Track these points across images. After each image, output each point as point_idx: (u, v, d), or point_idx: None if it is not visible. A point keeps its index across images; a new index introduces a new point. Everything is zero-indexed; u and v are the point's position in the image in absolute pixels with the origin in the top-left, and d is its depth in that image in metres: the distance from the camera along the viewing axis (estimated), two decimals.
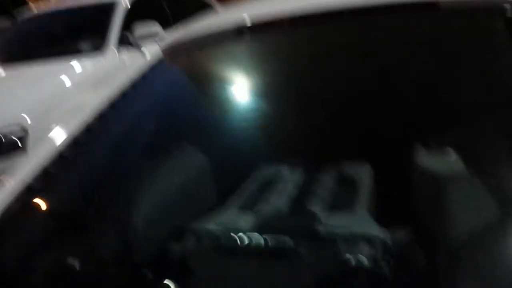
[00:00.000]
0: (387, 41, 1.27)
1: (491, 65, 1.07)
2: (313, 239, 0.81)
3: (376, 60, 1.26)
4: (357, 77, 1.25)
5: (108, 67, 3.34)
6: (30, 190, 0.98)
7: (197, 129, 1.32)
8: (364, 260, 0.73)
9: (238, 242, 0.82)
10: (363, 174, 1.00)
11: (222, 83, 1.48)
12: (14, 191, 0.97)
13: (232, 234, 0.85)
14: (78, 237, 1.00)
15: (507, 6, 1.05)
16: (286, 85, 1.39)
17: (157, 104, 1.44)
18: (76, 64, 3.36)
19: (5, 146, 2.68)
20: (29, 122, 2.74)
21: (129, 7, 3.86)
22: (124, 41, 3.63)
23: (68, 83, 3.11)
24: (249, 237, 0.82)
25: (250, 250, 0.80)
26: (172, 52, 1.48)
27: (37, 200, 1.01)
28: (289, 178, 1.05)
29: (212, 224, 0.90)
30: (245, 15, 1.38)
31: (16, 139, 2.69)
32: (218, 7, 4.58)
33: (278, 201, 0.96)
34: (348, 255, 0.75)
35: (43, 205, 1.02)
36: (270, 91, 1.43)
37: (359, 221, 0.84)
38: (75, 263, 0.88)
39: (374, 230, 0.80)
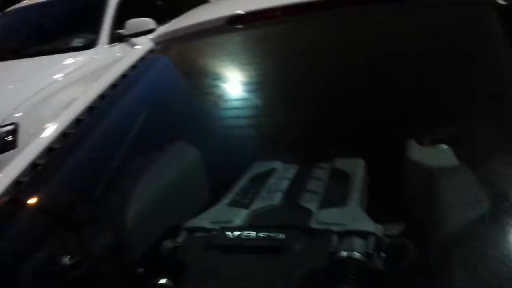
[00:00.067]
0: (378, 33, 1.26)
1: (483, 55, 1.06)
2: (306, 235, 0.81)
3: (368, 53, 1.25)
4: (349, 71, 1.24)
5: (100, 61, 3.30)
6: (20, 186, 0.97)
7: (189, 123, 1.32)
8: (357, 255, 0.73)
9: (231, 238, 0.82)
10: (356, 169, 1.00)
11: (214, 75, 1.47)
12: (5, 187, 0.96)
13: (225, 230, 0.85)
14: (69, 233, 0.99)
15: None
16: (278, 78, 1.38)
17: (149, 97, 1.43)
18: (68, 59, 3.32)
19: None
20: (20, 117, 2.72)
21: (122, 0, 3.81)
22: (116, 35, 3.59)
23: (59, 78, 3.08)
24: (242, 233, 0.82)
25: (243, 246, 0.80)
26: (164, 44, 1.47)
27: (28, 197, 1.00)
28: (282, 173, 1.05)
29: (205, 220, 0.90)
30: (236, 6, 1.37)
31: (8, 135, 2.66)
32: None
33: (271, 196, 0.96)
34: (341, 250, 0.75)
35: (34, 202, 1.01)
36: (263, 84, 1.42)
37: (352, 216, 0.84)
38: (67, 260, 0.87)
39: (367, 225, 0.80)
